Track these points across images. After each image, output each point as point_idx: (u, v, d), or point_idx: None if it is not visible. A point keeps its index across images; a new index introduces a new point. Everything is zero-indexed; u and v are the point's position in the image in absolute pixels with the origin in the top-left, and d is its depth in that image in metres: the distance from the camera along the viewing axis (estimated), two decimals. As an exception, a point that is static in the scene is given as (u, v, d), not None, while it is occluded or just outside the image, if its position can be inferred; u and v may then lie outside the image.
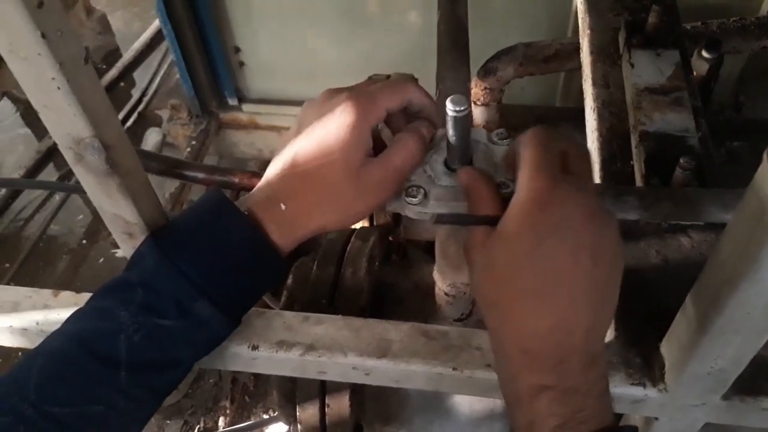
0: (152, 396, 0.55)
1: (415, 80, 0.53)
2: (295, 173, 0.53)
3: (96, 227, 2.17)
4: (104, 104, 0.49)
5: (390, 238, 1.25)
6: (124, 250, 0.59)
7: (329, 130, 0.52)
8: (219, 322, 0.54)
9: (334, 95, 0.55)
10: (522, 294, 0.45)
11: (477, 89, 1.17)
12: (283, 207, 0.53)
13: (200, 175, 0.63)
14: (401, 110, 0.57)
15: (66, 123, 0.47)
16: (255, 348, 0.67)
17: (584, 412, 0.45)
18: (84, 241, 2.16)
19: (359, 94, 0.53)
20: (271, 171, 0.55)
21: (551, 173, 0.46)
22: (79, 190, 0.56)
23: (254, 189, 0.56)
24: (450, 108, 0.52)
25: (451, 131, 0.54)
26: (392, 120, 0.57)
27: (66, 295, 0.74)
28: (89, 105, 0.47)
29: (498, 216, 0.48)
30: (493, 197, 0.51)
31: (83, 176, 0.51)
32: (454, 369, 0.64)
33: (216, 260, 0.52)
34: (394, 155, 0.54)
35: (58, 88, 0.45)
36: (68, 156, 0.50)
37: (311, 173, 0.52)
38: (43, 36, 0.42)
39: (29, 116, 2.51)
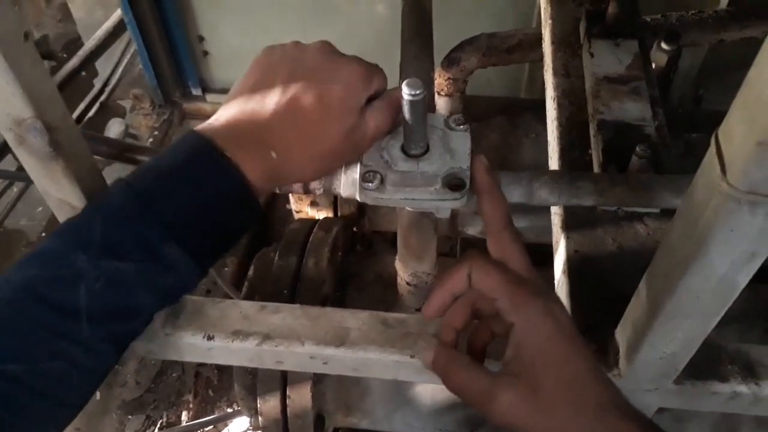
0: (113, 349, 0.50)
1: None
2: (293, 124, 0.51)
3: (56, 219, 2.11)
4: (46, 84, 0.47)
5: (354, 229, 1.24)
6: (72, 237, 0.58)
7: (335, 90, 0.52)
8: (187, 267, 0.49)
9: (331, 52, 0.55)
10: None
11: (441, 79, 1.17)
12: (274, 156, 0.51)
13: (152, 161, 0.61)
14: None
15: (5, 103, 0.45)
16: (210, 338, 0.65)
17: None
18: (44, 234, 2.11)
19: (373, 69, 0.55)
20: (248, 108, 0.51)
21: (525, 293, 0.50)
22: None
23: (231, 126, 0.51)
24: (406, 92, 0.52)
25: (407, 115, 0.54)
26: None
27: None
28: (30, 84, 0.45)
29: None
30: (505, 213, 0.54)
31: (25, 159, 0.50)
32: (411, 357, 0.63)
33: (192, 204, 0.49)
34: (369, 120, 0.55)
35: (-5, 65, 0.43)
36: (9, 138, 0.48)
37: (311, 128, 0.51)
38: (-23, 10, 0.40)
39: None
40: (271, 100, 0.51)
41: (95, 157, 0.60)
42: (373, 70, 0.55)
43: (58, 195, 0.52)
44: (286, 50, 0.55)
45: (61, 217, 0.55)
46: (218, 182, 0.49)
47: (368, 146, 0.56)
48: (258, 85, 0.52)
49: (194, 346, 0.66)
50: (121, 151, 0.61)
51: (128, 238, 0.47)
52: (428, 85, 0.92)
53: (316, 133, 0.52)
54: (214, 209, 0.50)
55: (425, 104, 0.54)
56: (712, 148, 0.43)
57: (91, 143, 0.60)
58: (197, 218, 0.49)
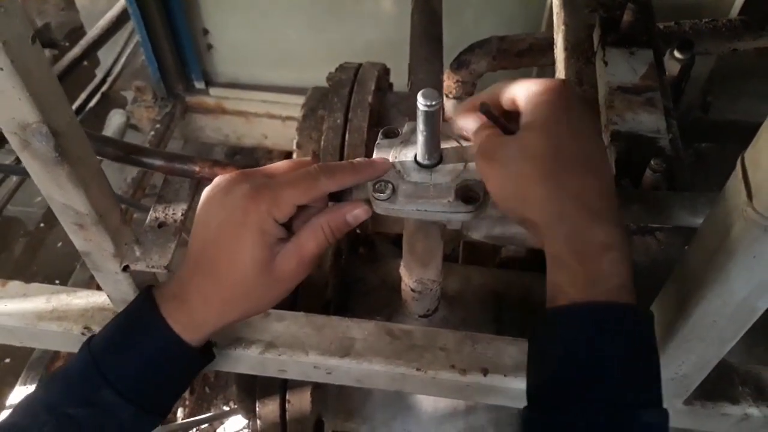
0: None
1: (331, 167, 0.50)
2: (204, 273, 0.53)
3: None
4: (53, 88, 0.46)
5: (357, 231, 1.23)
6: (75, 242, 0.56)
7: (233, 230, 0.51)
8: (128, 414, 0.55)
9: (235, 186, 0.52)
10: (576, 158, 0.49)
11: (449, 82, 1.16)
12: (191, 307, 0.54)
13: (159, 163, 0.60)
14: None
15: (10, 107, 0.44)
16: (212, 345, 0.64)
17: (630, 280, 0.48)
18: (42, 225, 2.09)
19: (260, 189, 0.51)
20: (184, 263, 0.55)
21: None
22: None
23: (169, 280, 0.56)
24: (421, 102, 0.51)
25: (421, 126, 0.53)
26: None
27: (15, 285, 0.71)
28: (36, 88, 0.44)
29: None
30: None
31: (30, 163, 0.48)
32: (417, 369, 0.62)
33: (131, 362, 0.55)
34: (306, 242, 0.53)
35: (1, 69, 0.42)
36: (13, 142, 0.47)
37: (221, 274, 0.52)
38: (-16, 12, 0.39)
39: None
40: (192, 250, 0.54)
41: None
42: (274, 193, 0.51)
43: (63, 200, 0.51)
44: (203, 197, 0.55)
45: (65, 222, 0.54)
46: (151, 340, 0.55)
47: (310, 266, 0.54)
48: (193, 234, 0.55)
49: (196, 353, 0.65)
50: (127, 152, 0.60)
51: (80, 395, 0.55)
52: (438, 88, 0.91)
53: (230, 278, 0.52)
54: (151, 363, 0.56)
55: (440, 115, 0.53)
56: (738, 173, 0.41)
57: (97, 145, 0.58)
58: (137, 372, 0.55)
